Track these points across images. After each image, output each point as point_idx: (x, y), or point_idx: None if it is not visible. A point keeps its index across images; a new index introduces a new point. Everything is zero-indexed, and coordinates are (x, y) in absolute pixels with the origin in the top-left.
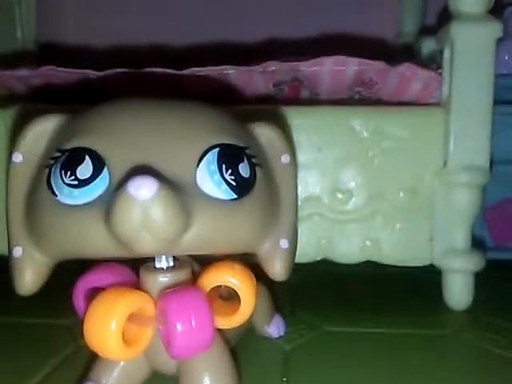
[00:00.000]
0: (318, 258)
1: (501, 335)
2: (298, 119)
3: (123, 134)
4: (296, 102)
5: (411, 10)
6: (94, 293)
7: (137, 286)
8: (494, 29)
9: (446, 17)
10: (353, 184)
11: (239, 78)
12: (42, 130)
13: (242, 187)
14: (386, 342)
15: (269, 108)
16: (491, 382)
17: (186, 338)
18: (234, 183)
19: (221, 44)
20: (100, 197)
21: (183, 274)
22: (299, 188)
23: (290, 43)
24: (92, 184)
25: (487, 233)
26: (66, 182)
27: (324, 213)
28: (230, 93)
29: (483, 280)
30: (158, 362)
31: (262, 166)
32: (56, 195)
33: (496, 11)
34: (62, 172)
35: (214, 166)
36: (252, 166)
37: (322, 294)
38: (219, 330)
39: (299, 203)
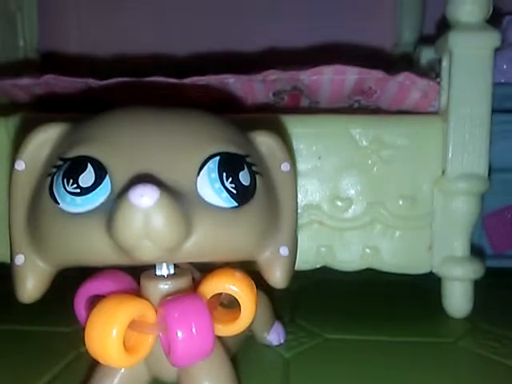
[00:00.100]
0: (318, 266)
1: (500, 343)
2: (298, 128)
3: (125, 142)
4: (296, 110)
5: (410, 19)
6: (95, 300)
7: (138, 293)
8: (492, 38)
9: (444, 26)
10: (352, 192)
11: (240, 86)
12: (45, 139)
13: (243, 195)
14: (386, 350)
15: (269, 116)
16: None
17: (187, 346)
18: (234, 191)
19: (221, 53)
20: (102, 205)
21: (184, 282)
22: (299, 196)
23: (290, 52)
24: (94, 192)
25: (486, 241)
26: (69, 190)
27: (324, 220)
28: (230, 101)
29: (482, 288)
30: (158, 370)
31: (263, 174)
32: (58, 203)
33: (494, 20)
34: (65, 180)
35: (215, 174)
36: (252, 174)
37: (322, 301)
38: (220, 338)
39: (299, 211)
